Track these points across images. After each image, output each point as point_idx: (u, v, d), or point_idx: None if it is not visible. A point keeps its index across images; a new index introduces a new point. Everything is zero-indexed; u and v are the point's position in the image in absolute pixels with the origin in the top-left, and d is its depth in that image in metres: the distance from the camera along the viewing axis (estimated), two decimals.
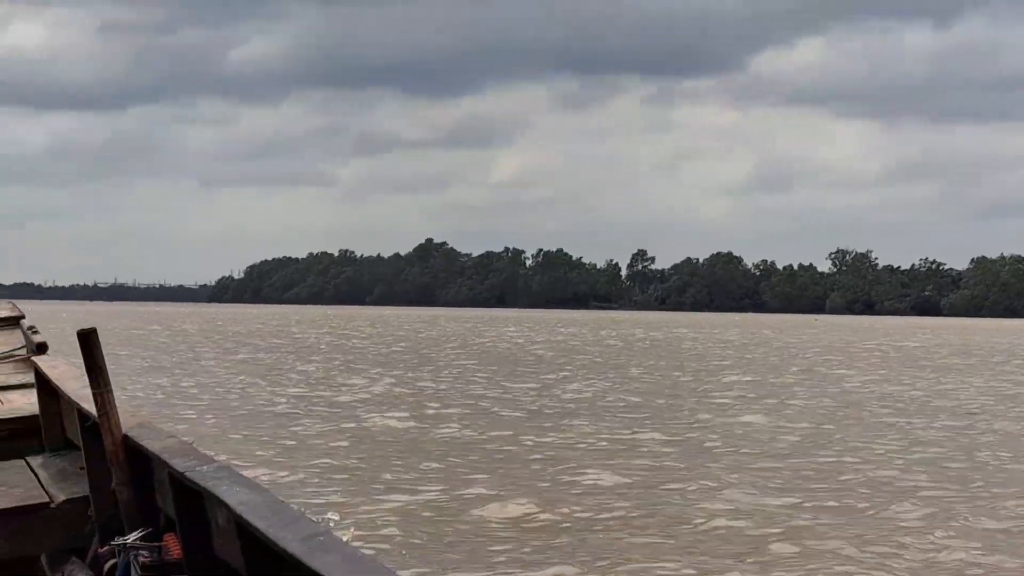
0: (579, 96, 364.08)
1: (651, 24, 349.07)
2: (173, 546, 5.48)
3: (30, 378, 8.55)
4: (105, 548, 6.00)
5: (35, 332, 9.77)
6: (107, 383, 5.98)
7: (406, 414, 22.89)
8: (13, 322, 10.53)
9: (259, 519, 3.94)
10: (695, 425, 21.95)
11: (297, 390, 28.45)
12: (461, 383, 31.75)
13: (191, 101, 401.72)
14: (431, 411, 23.75)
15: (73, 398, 6.79)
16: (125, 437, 6.01)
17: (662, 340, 68.80)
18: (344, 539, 3.70)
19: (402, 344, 57.61)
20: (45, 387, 7.77)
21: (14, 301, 11.53)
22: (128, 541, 5.70)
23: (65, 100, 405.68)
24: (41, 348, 9.24)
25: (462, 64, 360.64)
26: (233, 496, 4.33)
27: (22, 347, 9.85)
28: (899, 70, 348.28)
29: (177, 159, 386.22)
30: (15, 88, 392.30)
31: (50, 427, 7.86)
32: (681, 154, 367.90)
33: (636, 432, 20.45)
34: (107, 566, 5.90)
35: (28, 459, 7.72)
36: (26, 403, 8.30)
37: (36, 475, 7.33)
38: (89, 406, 6.19)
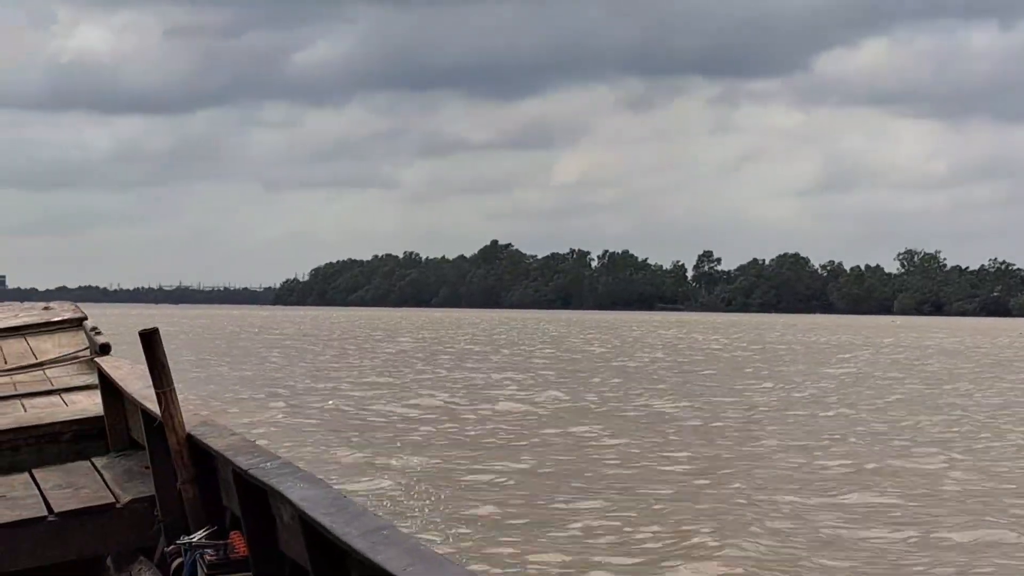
0: (643, 97, 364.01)
1: (715, 25, 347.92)
2: (239, 544, 5.50)
3: (94, 379, 8.56)
4: (171, 547, 6.04)
5: (98, 333, 9.77)
6: (170, 382, 6.02)
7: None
8: (76, 323, 10.56)
9: (322, 514, 3.92)
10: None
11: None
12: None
13: (256, 104, 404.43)
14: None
15: (137, 398, 6.81)
16: (189, 436, 6.04)
17: (779, 342, 65.78)
18: (409, 534, 3.63)
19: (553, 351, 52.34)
20: (109, 388, 7.77)
21: (79, 304, 11.54)
22: (194, 540, 5.75)
23: (131, 104, 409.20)
24: (104, 349, 9.24)
25: (526, 66, 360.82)
26: (296, 492, 4.33)
27: (85, 348, 9.87)
28: (964, 70, 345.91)
29: (242, 162, 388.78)
30: (82, 92, 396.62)
31: (115, 428, 7.87)
32: (746, 155, 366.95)
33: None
34: (174, 565, 5.92)
35: (94, 460, 7.73)
36: (91, 404, 8.30)
37: (102, 476, 7.34)
38: (153, 406, 6.21)
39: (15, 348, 10.22)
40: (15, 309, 11.50)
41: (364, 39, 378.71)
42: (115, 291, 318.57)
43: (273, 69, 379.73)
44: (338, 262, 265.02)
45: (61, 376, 9.52)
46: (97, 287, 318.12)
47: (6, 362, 10.00)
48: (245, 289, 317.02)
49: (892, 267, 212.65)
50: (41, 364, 9.84)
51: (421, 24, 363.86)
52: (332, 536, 3.76)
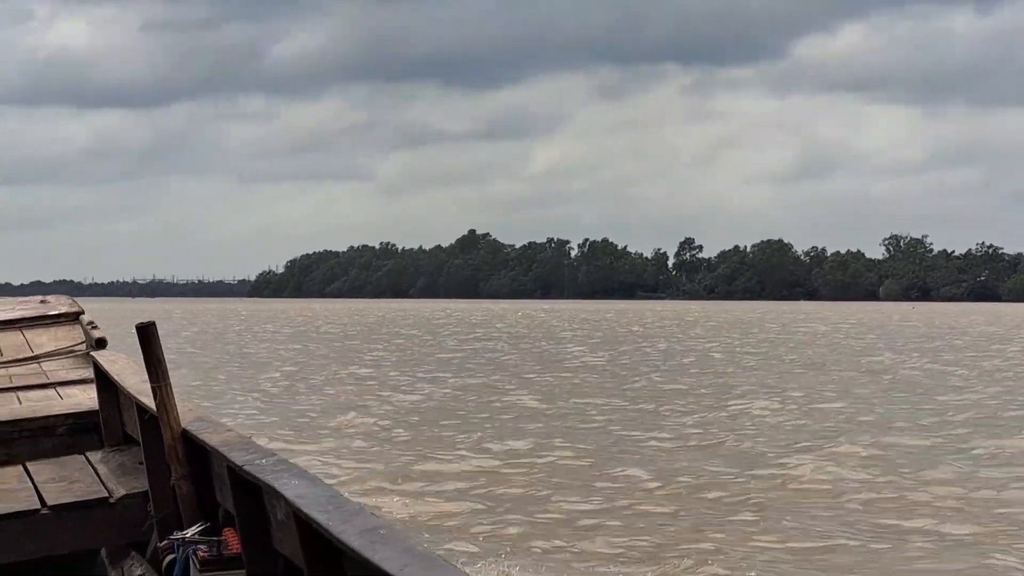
0: (618, 86, 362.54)
1: (690, 12, 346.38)
2: (232, 540, 5.40)
3: (90, 373, 8.49)
4: (164, 543, 5.93)
5: (94, 327, 9.72)
6: (166, 377, 5.95)
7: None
8: (73, 317, 10.60)
9: (318, 512, 3.86)
10: None
11: None
12: None
13: (232, 97, 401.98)
14: None
15: (132, 392, 6.76)
16: (184, 431, 5.96)
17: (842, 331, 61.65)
18: (406, 533, 3.52)
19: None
20: (104, 382, 7.75)
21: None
22: (187, 536, 5.66)
23: (107, 99, 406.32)
24: (100, 343, 9.19)
25: (502, 56, 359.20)
26: (291, 489, 4.26)
27: (82, 342, 9.87)
28: (941, 55, 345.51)
29: (217, 156, 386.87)
30: (59, 87, 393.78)
31: (110, 422, 7.82)
32: (722, 143, 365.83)
33: None
34: (166, 561, 5.80)
35: (88, 454, 7.67)
36: (86, 398, 8.27)
37: (95, 470, 7.28)
38: (148, 400, 6.15)
39: (12, 341, 10.26)
40: (12, 303, 11.54)
41: (341, 31, 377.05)
42: (89, 285, 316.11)
43: (250, 62, 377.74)
44: (314, 254, 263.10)
45: (57, 370, 9.46)
46: (72, 281, 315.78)
47: (2, 355, 9.96)
48: (220, 282, 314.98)
49: (875, 252, 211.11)
50: (37, 357, 9.79)
51: (397, 15, 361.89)
52: (328, 534, 3.70)
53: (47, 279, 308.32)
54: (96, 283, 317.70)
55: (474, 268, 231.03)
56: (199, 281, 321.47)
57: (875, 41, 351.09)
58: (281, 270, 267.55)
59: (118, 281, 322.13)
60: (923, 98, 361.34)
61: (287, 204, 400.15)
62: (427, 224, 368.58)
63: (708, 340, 53.78)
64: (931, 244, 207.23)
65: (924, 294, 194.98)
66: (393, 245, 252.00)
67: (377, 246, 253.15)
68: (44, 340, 10.21)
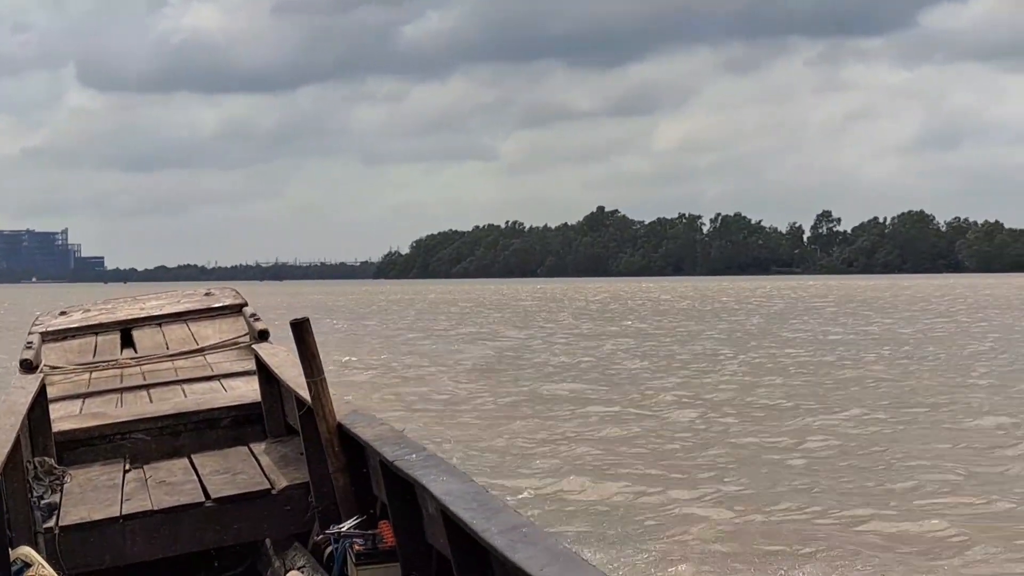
0: (746, 60, 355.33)
1: None
2: (387, 534, 5.43)
3: (253, 365, 8.50)
4: (320, 536, 6.06)
5: (257, 319, 9.86)
6: (320, 371, 6.06)
7: None
8: (236, 309, 10.64)
9: (463, 509, 3.97)
10: None
11: None
12: None
13: (361, 80, 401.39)
14: None
15: (291, 385, 6.84)
16: (339, 425, 6.07)
17: None
18: (547, 532, 3.60)
19: None
20: (266, 374, 7.81)
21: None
22: (343, 529, 5.69)
23: (239, 83, 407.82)
24: (263, 335, 9.35)
25: (629, 32, 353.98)
26: (439, 486, 4.32)
27: (245, 334, 9.91)
28: None
29: (345, 138, 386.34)
30: (191, 72, 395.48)
31: (272, 414, 7.87)
32: (852, 114, 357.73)
33: None
34: (326, 553, 5.88)
35: (251, 446, 7.70)
36: (249, 390, 8.28)
37: (259, 462, 7.31)
38: (306, 393, 6.26)
39: (177, 334, 10.36)
40: (178, 295, 11.67)
41: (471, 11, 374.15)
42: (213, 269, 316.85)
43: (381, 44, 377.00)
44: (439, 234, 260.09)
45: (221, 362, 9.43)
46: (195, 265, 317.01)
47: (168, 347, 10.02)
48: (342, 264, 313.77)
49: (1015, 222, 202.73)
50: (202, 350, 9.81)
51: None
52: (472, 532, 3.80)
53: (171, 264, 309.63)
54: (220, 267, 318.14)
55: (602, 246, 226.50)
56: (322, 263, 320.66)
57: (1008, 9, 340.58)
58: (406, 251, 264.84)
59: (241, 265, 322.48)
60: None
61: (412, 185, 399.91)
62: (554, 202, 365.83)
63: None
64: None
65: None
66: (520, 224, 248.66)
67: (503, 225, 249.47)
68: (209, 332, 10.25)
